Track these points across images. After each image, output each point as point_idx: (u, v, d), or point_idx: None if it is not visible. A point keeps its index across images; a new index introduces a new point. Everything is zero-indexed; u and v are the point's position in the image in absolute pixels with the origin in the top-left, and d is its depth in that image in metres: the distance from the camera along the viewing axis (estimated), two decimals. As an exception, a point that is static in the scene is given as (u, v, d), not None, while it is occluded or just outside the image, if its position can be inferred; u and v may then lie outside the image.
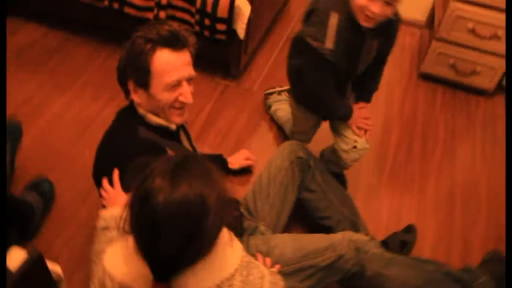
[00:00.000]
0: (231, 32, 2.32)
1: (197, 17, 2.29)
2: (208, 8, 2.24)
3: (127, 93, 1.40)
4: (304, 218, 1.89)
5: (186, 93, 1.34)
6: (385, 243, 1.74)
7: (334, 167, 2.05)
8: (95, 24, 2.64)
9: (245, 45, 2.47)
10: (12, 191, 1.83)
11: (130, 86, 1.36)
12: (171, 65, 1.30)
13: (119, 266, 1.04)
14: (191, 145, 1.57)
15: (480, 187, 2.25)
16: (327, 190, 1.80)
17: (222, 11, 2.24)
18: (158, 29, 1.29)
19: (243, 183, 2.08)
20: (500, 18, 2.36)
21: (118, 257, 1.06)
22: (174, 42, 1.30)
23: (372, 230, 1.87)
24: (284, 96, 2.38)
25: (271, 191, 1.69)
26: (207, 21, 2.29)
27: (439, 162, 2.34)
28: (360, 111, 1.89)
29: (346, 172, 2.14)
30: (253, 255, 1.38)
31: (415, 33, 3.09)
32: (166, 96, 1.33)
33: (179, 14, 2.33)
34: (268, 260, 1.38)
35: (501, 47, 2.45)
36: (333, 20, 1.59)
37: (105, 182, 1.31)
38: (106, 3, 2.38)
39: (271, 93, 2.42)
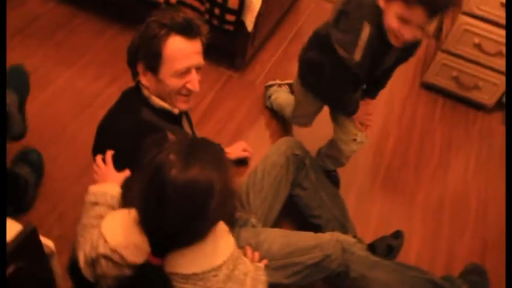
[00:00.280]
0: (240, 24, 2.33)
1: (207, 5, 2.29)
2: (219, -2, 2.25)
3: (135, 74, 1.41)
4: (294, 214, 1.91)
5: (194, 80, 1.36)
6: (372, 246, 1.77)
7: (330, 163, 2.07)
8: (103, 1, 2.64)
9: (252, 37, 2.47)
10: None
11: (140, 68, 1.37)
12: (182, 52, 1.32)
13: (115, 232, 1.07)
14: (192, 131, 1.59)
15: (470, 201, 2.27)
16: (319, 189, 1.82)
17: (233, 1, 2.25)
18: (173, 16, 1.30)
19: (238, 174, 2.10)
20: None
21: (117, 224, 1.09)
22: (188, 30, 1.31)
23: (361, 232, 1.89)
24: (284, 88, 2.39)
25: (265, 185, 1.71)
26: (216, 11, 2.30)
27: (432, 172, 2.37)
28: (365, 107, 1.90)
29: (340, 173, 2.16)
30: (243, 248, 1.40)
31: (422, 43, 3.10)
32: (175, 82, 1.35)
33: (189, 1, 2.33)
34: (256, 254, 1.40)
35: (505, 64, 2.47)
36: (365, 31, 1.54)
37: (98, 158, 1.33)
38: (117, -18, 2.38)
39: (272, 86, 2.43)
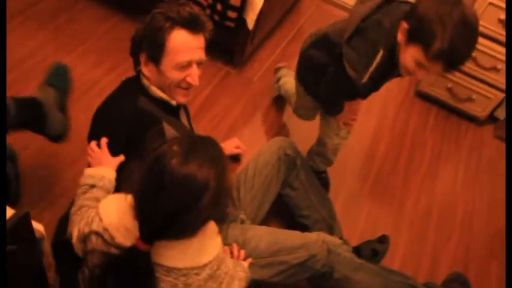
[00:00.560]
0: (241, 21, 2.34)
1: (210, 0, 2.30)
2: (223, -6, 2.26)
3: (136, 64, 1.43)
4: (283, 213, 1.93)
5: (194, 75, 1.38)
6: (358, 249, 1.79)
7: (319, 161, 2.09)
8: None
9: (252, 35, 2.49)
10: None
11: (142, 58, 1.39)
12: (185, 45, 1.33)
13: (110, 213, 1.11)
14: (189, 124, 1.60)
15: (457, 211, 2.31)
16: (308, 190, 1.84)
17: (236, -1, 2.26)
18: (179, 9, 1.32)
19: (230, 170, 2.12)
20: (502, 52, 2.42)
21: (113, 206, 1.12)
22: (193, 25, 1.33)
23: (347, 234, 1.92)
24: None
25: (256, 183, 1.73)
26: (219, 6, 2.31)
27: (421, 179, 2.40)
28: (354, 107, 1.90)
29: (330, 175, 2.19)
30: (230, 245, 1.43)
31: None
32: (175, 75, 1.36)
33: (193, -5, 2.34)
34: (242, 253, 1.42)
35: (499, 79, 2.51)
36: (379, 57, 1.53)
37: (93, 142, 1.35)
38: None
39: (281, 68, 2.43)
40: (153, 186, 0.98)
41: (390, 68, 1.57)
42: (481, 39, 2.42)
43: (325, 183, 2.15)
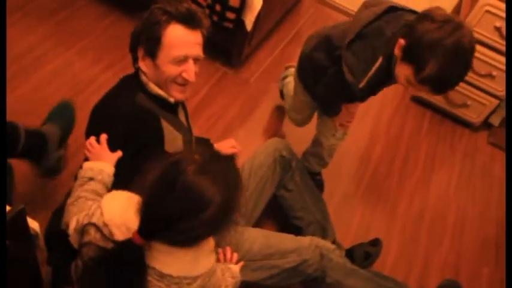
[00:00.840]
0: (239, 22, 2.35)
1: (209, 0, 2.32)
2: (222, -5, 2.27)
3: (135, 60, 1.43)
4: (277, 214, 1.95)
5: (190, 70, 1.38)
6: (350, 252, 1.81)
7: (314, 162, 2.11)
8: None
9: (250, 36, 2.50)
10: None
11: (140, 53, 1.40)
12: (181, 40, 1.34)
13: (113, 209, 1.12)
14: (187, 122, 1.60)
15: (449, 215, 2.33)
16: (303, 192, 1.86)
17: (235, 0, 2.27)
18: (177, 5, 1.34)
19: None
20: (497, 59, 2.44)
21: (117, 202, 1.13)
22: (190, 20, 1.34)
23: (340, 236, 1.94)
24: None
25: (251, 184, 1.74)
26: (218, 7, 2.32)
27: (415, 183, 2.42)
28: (349, 110, 1.92)
29: (325, 177, 2.21)
30: (223, 248, 1.43)
31: None
32: (171, 69, 1.37)
33: (192, -6, 2.35)
34: (234, 256, 1.43)
35: (494, 86, 2.53)
36: (377, 64, 1.56)
37: (92, 138, 1.35)
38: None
39: (292, 67, 2.41)
40: (164, 186, 1.00)
41: (387, 76, 1.59)
42: (477, 46, 2.43)
43: (319, 185, 2.17)
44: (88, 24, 2.54)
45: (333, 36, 1.72)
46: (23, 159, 1.69)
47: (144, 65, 1.40)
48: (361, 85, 1.60)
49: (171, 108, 1.49)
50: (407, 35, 1.44)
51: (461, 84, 2.59)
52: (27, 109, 2.05)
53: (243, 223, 1.69)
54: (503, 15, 2.30)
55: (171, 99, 1.46)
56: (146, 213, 1.02)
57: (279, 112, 2.50)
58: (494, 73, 2.48)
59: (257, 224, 1.81)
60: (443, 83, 1.43)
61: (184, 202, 0.98)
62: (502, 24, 2.33)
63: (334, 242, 1.87)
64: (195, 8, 1.38)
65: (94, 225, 1.12)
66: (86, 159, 1.35)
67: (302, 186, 1.86)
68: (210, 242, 1.13)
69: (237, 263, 1.41)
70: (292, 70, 2.34)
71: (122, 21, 2.59)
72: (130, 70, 1.48)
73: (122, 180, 1.37)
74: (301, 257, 1.59)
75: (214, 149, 1.14)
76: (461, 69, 1.42)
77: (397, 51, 1.48)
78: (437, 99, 2.74)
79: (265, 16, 2.48)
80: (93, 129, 1.41)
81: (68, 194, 1.30)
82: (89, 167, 1.29)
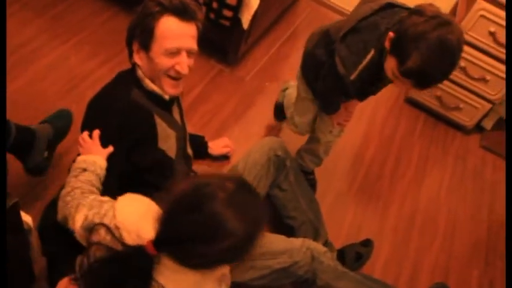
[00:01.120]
0: (236, 20, 2.36)
1: (206, -2, 2.32)
2: (219, -8, 2.28)
3: (131, 54, 1.44)
4: (270, 214, 1.95)
5: (182, 63, 1.37)
6: (342, 253, 1.82)
7: (309, 160, 2.11)
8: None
9: (247, 35, 2.50)
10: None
11: (135, 46, 1.40)
12: (174, 32, 1.35)
13: (127, 213, 1.11)
14: (182, 119, 1.61)
15: (440, 217, 2.35)
16: (297, 192, 1.87)
17: (232, -2, 2.28)
18: None
19: (219, 168, 2.14)
20: (491, 63, 2.46)
21: (132, 207, 1.13)
22: (182, 12, 1.35)
23: (332, 236, 1.95)
24: None
25: None
26: (214, 5, 2.33)
27: (407, 185, 2.44)
28: (348, 109, 1.93)
29: (318, 176, 2.22)
30: None
31: None
32: (164, 61, 1.37)
33: (189, -9, 2.35)
34: None
35: (487, 90, 2.56)
36: (369, 56, 1.57)
37: (85, 133, 1.36)
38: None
39: (292, 83, 2.40)
40: (190, 205, 0.98)
41: (379, 69, 1.59)
42: (471, 50, 2.47)
43: (312, 185, 2.18)
44: (85, 18, 2.54)
45: (331, 31, 1.74)
46: (10, 154, 1.68)
47: (138, 58, 1.41)
48: (352, 77, 1.61)
49: (165, 105, 1.49)
50: (396, 28, 1.46)
51: (455, 87, 2.63)
52: (23, 102, 2.05)
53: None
54: (498, 20, 2.32)
55: (166, 96, 1.46)
56: (165, 226, 1.00)
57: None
58: (488, 77, 2.50)
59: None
60: (425, 77, 1.44)
61: (206, 228, 0.97)
62: (496, 29, 2.35)
63: (326, 242, 1.88)
64: (189, 1, 1.38)
65: (105, 226, 1.11)
66: (79, 154, 1.36)
67: (296, 186, 1.87)
68: (221, 269, 1.10)
69: None
70: (292, 83, 2.34)
71: (118, 16, 2.59)
72: (127, 65, 1.48)
73: (116, 174, 1.38)
74: (292, 259, 1.59)
75: (245, 179, 1.10)
76: (445, 65, 1.42)
77: (386, 44, 1.49)
78: (431, 102, 2.76)
79: (262, 15, 2.49)
80: (88, 123, 1.42)
81: (63, 186, 1.30)
82: (82, 159, 1.31)
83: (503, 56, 2.40)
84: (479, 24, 2.37)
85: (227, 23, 2.38)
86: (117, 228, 1.09)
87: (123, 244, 1.08)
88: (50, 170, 1.86)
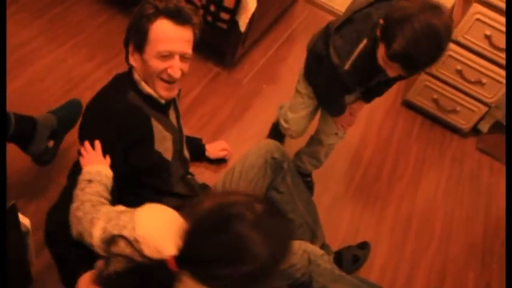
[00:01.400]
0: (233, 23, 2.36)
1: (203, 0, 2.32)
2: (217, -5, 2.29)
3: (128, 56, 1.44)
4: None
5: (175, 66, 1.37)
6: (339, 255, 1.82)
7: (308, 162, 2.11)
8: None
9: (244, 37, 2.51)
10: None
11: (130, 48, 1.41)
12: (167, 35, 1.35)
13: (148, 226, 1.09)
14: (178, 123, 1.61)
15: (436, 219, 2.36)
16: (294, 194, 1.86)
17: (229, 1, 2.28)
18: (167, 1, 1.35)
19: (216, 170, 2.14)
20: (487, 67, 2.47)
21: (153, 221, 1.11)
22: (176, 16, 1.35)
23: (329, 238, 1.95)
24: None
25: (241, 186, 1.73)
26: (212, 7, 2.33)
27: (404, 187, 2.45)
28: (356, 108, 1.94)
29: (316, 178, 2.22)
30: None
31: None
32: (156, 64, 1.37)
33: (187, -6, 2.36)
34: None
35: (483, 93, 2.57)
36: (361, 45, 1.58)
37: (86, 143, 1.35)
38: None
39: None
40: (216, 224, 0.96)
41: (373, 61, 1.59)
42: (467, 54, 2.48)
43: (309, 187, 2.18)
44: (82, 20, 2.54)
45: (329, 25, 1.76)
46: (12, 143, 1.68)
47: (133, 60, 1.41)
48: (346, 67, 1.62)
49: (162, 108, 1.50)
50: (385, 14, 1.47)
51: (451, 90, 2.64)
52: (21, 103, 2.05)
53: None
54: (494, 23, 2.33)
55: (162, 100, 1.46)
56: (188, 244, 0.98)
57: (272, 114, 2.51)
58: (484, 80, 2.51)
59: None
60: (411, 60, 1.43)
61: (230, 249, 0.94)
62: (492, 32, 2.36)
63: (323, 245, 1.88)
64: (185, 5, 1.38)
65: (125, 238, 1.09)
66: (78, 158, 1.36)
67: (293, 189, 1.86)
68: None
69: None
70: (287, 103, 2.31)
71: (115, 18, 2.59)
72: (124, 67, 1.49)
73: (115, 176, 1.38)
74: (289, 261, 1.59)
75: (272, 200, 1.07)
76: (431, 49, 1.42)
77: (378, 32, 1.51)
78: (428, 105, 2.77)
79: (259, 17, 2.49)
80: (86, 126, 1.42)
81: (63, 194, 1.30)
82: (87, 171, 1.30)
83: (499, 59, 2.42)
84: (475, 28, 2.39)
85: (224, 26, 2.38)
86: (137, 241, 1.07)
87: (143, 256, 1.06)
88: (46, 169, 1.86)
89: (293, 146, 2.19)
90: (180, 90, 1.59)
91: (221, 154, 2.16)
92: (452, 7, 2.76)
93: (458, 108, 2.69)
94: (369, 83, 1.80)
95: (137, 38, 1.37)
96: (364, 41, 1.57)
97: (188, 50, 1.39)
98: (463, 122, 2.74)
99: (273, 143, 1.87)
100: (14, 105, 1.99)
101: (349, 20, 1.62)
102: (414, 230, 2.27)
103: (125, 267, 1.07)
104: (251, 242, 0.93)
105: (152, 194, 1.51)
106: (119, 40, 1.46)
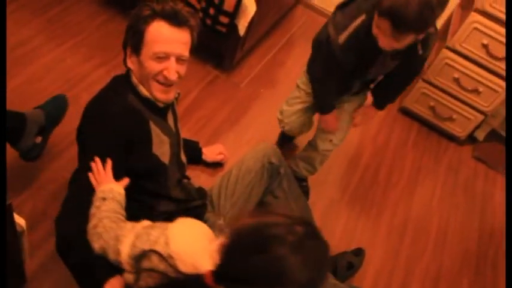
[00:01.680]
0: (232, 27, 2.37)
1: (203, 4, 2.33)
2: (216, -1, 2.29)
3: (125, 59, 1.44)
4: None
5: (170, 68, 1.37)
6: (334, 261, 1.82)
7: (303, 167, 2.12)
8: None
9: (243, 41, 2.52)
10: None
11: (128, 50, 1.42)
12: (163, 36, 1.35)
13: (182, 242, 1.09)
14: (176, 127, 1.61)
15: (431, 226, 2.36)
16: (290, 199, 1.87)
17: (229, 4, 2.29)
18: (164, 4, 1.36)
19: (213, 174, 2.14)
20: (484, 75, 2.48)
21: (188, 238, 1.11)
22: (173, 18, 1.35)
23: (323, 244, 1.95)
24: None
25: (237, 190, 1.73)
26: (211, 11, 2.33)
27: (399, 194, 2.45)
28: (369, 114, 1.97)
29: (312, 183, 2.22)
30: None
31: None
32: (152, 65, 1.37)
33: (186, -3, 2.36)
34: None
35: (480, 101, 2.58)
36: (359, 20, 1.60)
37: (99, 163, 1.34)
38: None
39: None
40: (255, 244, 0.95)
41: (368, 41, 1.59)
42: (464, 62, 2.49)
43: (305, 192, 2.18)
44: (82, 20, 2.54)
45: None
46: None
47: (130, 62, 1.42)
48: (340, 40, 1.63)
49: (160, 112, 1.50)
50: None
51: (448, 98, 2.65)
52: (20, 101, 2.04)
53: (227, 230, 1.69)
54: (491, 33, 2.35)
55: (160, 104, 1.47)
56: (226, 261, 0.98)
57: (269, 118, 2.51)
58: (481, 89, 2.53)
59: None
60: (400, 14, 1.42)
61: (269, 272, 0.93)
62: (489, 41, 2.37)
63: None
64: (182, 7, 1.39)
65: (158, 253, 1.09)
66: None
67: (289, 194, 1.87)
68: None
69: None
70: None
71: (114, 19, 2.59)
72: (122, 69, 1.49)
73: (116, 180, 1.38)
74: None
75: (314, 223, 1.06)
76: (421, 7, 1.42)
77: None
78: (425, 112, 2.78)
79: (258, 22, 2.50)
80: (85, 127, 1.42)
81: (67, 201, 1.30)
82: (100, 190, 1.31)
83: (496, 68, 2.43)
84: (472, 37, 2.40)
85: (223, 29, 2.39)
86: (171, 257, 1.06)
87: (178, 271, 1.06)
88: (43, 169, 1.87)
89: (289, 151, 2.20)
90: (179, 94, 1.59)
91: (218, 158, 2.16)
92: (450, 15, 2.77)
93: (454, 116, 2.71)
94: (366, 72, 1.79)
95: (134, 40, 1.37)
96: (363, 17, 1.59)
97: (184, 52, 1.40)
98: (459, 130, 2.76)
99: (270, 147, 1.87)
100: (14, 103, 1.99)
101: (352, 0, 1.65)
102: (409, 237, 2.27)
103: (159, 283, 1.06)
104: (291, 266, 0.92)
105: (149, 198, 1.51)
106: (117, 41, 1.46)
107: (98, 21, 2.57)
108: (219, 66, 2.63)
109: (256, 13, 2.34)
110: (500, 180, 2.72)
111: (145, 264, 1.11)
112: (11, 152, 1.87)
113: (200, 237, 1.08)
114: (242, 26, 2.36)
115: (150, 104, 1.45)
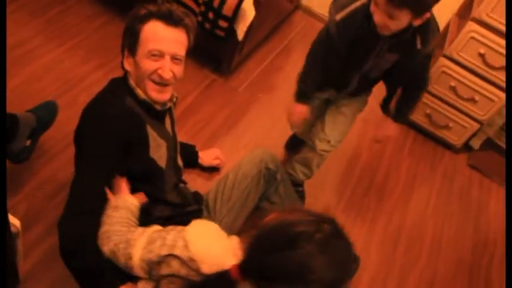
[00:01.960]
0: (231, 31, 2.37)
1: (202, 8, 2.34)
2: (215, 3, 2.29)
3: (123, 61, 1.45)
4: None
5: (165, 67, 1.38)
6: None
7: (300, 171, 2.11)
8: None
9: (241, 46, 2.52)
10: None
11: (125, 52, 1.43)
12: (158, 35, 1.37)
13: (204, 244, 1.08)
14: (173, 130, 1.61)
15: (426, 234, 2.37)
16: (286, 204, 1.87)
17: (228, 9, 2.30)
18: (160, 5, 1.37)
19: (209, 178, 2.14)
20: (480, 84, 2.50)
21: (205, 237, 1.10)
22: (168, 18, 1.37)
23: (318, 251, 1.95)
24: None
25: (233, 195, 1.73)
26: (210, 15, 2.34)
27: (395, 201, 2.46)
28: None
29: (308, 189, 2.22)
30: None
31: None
32: (147, 64, 1.38)
33: (185, 0, 2.36)
34: None
35: (476, 110, 2.60)
36: (359, 3, 1.61)
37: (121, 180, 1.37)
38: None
39: None
40: (284, 240, 0.96)
41: (370, 32, 1.60)
42: (461, 71, 2.51)
43: (301, 197, 2.18)
44: (80, 22, 2.54)
45: None
46: None
47: (127, 64, 1.43)
48: (337, 18, 1.64)
49: (158, 116, 1.50)
50: None
51: (445, 106, 2.67)
52: (19, 101, 2.04)
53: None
54: (488, 42, 2.36)
55: (157, 107, 1.47)
56: (253, 256, 0.98)
57: (266, 122, 2.52)
58: (477, 98, 2.54)
59: (237, 235, 1.81)
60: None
61: (295, 268, 0.94)
62: (485, 51, 2.39)
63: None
64: (177, 7, 1.40)
65: (178, 257, 1.08)
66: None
67: (286, 200, 1.87)
68: None
69: None
70: None
71: (113, 21, 2.59)
72: (120, 71, 1.49)
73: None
74: None
75: (339, 223, 1.08)
76: None
77: None
78: (421, 120, 2.79)
79: (257, 27, 2.51)
80: (83, 130, 1.42)
81: (70, 204, 1.30)
82: (113, 200, 1.33)
83: (492, 78, 2.45)
84: (469, 46, 2.42)
85: (222, 34, 2.39)
86: (193, 260, 1.06)
87: (201, 274, 1.05)
88: (38, 171, 1.87)
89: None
90: (177, 98, 1.59)
91: (214, 163, 2.16)
92: (448, 24, 2.79)
93: (450, 124, 2.72)
94: (362, 62, 1.78)
95: (130, 40, 1.39)
96: (363, 0, 1.60)
97: (179, 51, 1.40)
98: (455, 138, 2.77)
99: (267, 152, 1.87)
100: (13, 103, 1.99)
101: None
102: (403, 244, 2.28)
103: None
104: (316, 263, 0.93)
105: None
106: (115, 44, 1.47)
107: (97, 23, 2.58)
108: (217, 70, 2.63)
109: (255, 18, 2.35)
110: (495, 189, 2.73)
111: (165, 270, 1.09)
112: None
113: (217, 237, 1.08)
114: (241, 30, 2.37)
115: (147, 107, 1.45)
